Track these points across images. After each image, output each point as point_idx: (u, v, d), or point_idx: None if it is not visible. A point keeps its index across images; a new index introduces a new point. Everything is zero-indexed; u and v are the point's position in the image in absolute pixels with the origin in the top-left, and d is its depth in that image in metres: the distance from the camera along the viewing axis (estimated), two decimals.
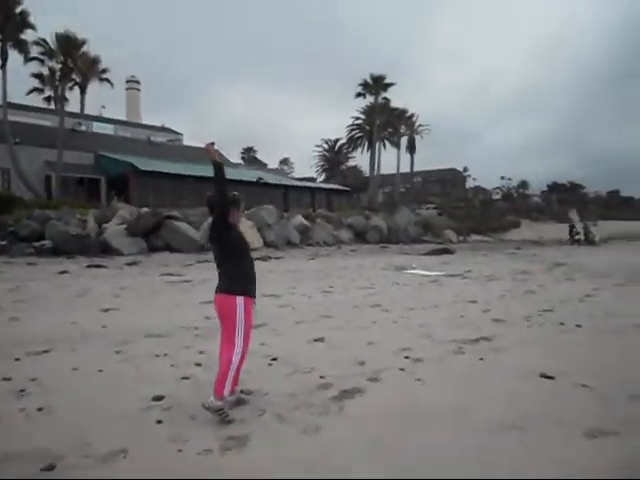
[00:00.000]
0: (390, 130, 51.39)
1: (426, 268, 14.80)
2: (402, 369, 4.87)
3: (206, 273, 12.95)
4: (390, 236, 27.70)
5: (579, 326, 6.81)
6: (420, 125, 55.24)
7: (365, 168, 58.20)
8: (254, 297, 3.79)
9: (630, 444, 3.22)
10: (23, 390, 4.16)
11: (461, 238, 34.67)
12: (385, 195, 56.62)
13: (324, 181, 51.20)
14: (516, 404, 3.95)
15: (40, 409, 3.72)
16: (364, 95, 47.14)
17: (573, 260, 18.18)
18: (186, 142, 50.14)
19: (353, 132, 52.90)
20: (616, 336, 6.31)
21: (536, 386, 4.43)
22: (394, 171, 53.06)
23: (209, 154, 3.60)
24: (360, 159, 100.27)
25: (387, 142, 52.26)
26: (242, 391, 4.04)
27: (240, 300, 3.63)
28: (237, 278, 3.67)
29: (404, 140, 54.18)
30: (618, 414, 3.71)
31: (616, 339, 6.17)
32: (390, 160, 56.60)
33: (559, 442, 3.27)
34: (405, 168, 54.54)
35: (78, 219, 19.80)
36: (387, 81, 46.33)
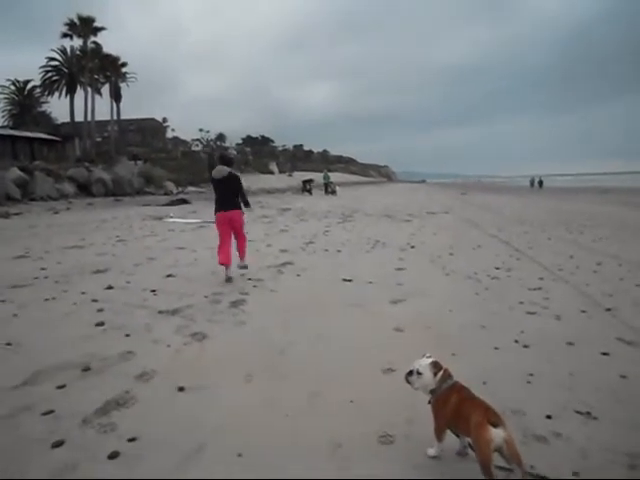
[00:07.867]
0: (96, 76, 47.67)
1: (182, 217, 15.93)
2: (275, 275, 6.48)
3: None
4: (116, 189, 26.94)
5: (339, 251, 9.47)
6: (127, 73, 52.76)
7: (59, 114, 52.50)
8: None
9: (414, 304, 5.67)
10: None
11: (180, 189, 35.92)
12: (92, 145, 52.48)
13: (13, 128, 43.95)
14: (348, 291, 6.08)
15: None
16: (71, 36, 42.55)
17: (294, 206, 21.98)
18: None
19: (49, 74, 46.93)
20: (365, 253, 9.18)
21: (344, 285, 6.62)
22: (95, 119, 49.51)
23: None
24: (56, 105, 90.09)
25: (90, 88, 48.27)
26: None
27: (245, 215, 7.04)
28: (239, 203, 6.87)
29: (107, 88, 50.93)
30: (398, 294, 6.16)
31: (367, 255, 9.02)
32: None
33: (384, 299, 5.51)
34: (104, 116, 51.54)
35: None
36: (97, 25, 42.95)
